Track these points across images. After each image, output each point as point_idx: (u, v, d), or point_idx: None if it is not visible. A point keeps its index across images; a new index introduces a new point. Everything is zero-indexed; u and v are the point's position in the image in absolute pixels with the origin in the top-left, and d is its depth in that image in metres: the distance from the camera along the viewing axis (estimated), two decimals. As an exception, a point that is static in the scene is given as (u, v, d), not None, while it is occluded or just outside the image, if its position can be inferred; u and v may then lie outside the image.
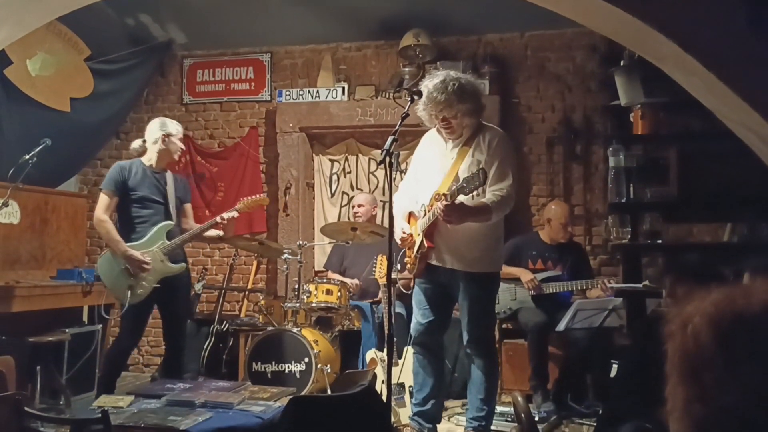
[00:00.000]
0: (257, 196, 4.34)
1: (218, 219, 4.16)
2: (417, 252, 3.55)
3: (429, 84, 3.46)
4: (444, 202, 3.24)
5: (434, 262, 3.57)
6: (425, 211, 3.50)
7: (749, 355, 0.89)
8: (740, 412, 0.89)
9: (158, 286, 4.02)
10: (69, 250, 5.18)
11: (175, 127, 4.20)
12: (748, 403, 0.88)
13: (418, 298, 3.69)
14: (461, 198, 3.27)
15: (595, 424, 4.11)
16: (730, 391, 0.89)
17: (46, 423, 2.50)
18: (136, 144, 4.25)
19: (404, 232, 3.60)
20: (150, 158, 4.17)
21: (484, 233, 3.51)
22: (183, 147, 4.28)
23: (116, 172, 4.07)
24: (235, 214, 4.21)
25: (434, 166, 3.59)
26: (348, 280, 4.98)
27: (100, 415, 2.22)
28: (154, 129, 4.17)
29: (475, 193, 3.26)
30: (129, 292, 3.92)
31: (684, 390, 0.94)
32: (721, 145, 3.56)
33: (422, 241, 3.49)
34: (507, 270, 4.55)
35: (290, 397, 2.72)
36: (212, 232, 4.23)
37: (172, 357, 4.21)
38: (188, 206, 4.35)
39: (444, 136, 3.59)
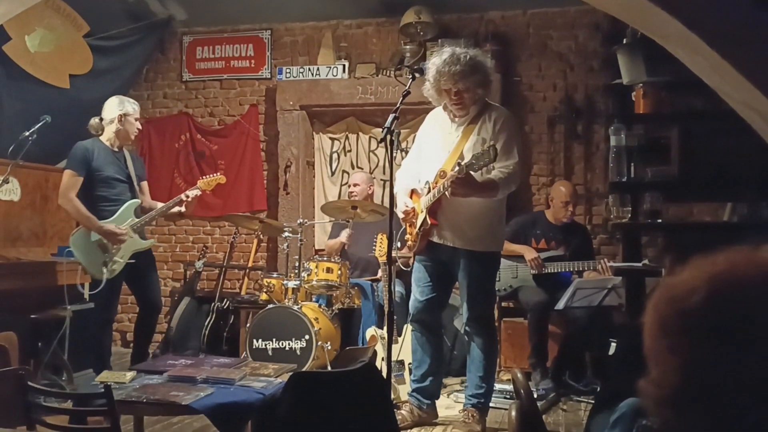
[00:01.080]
0: (215, 175, 4.59)
1: (183, 197, 4.35)
2: (419, 229, 3.56)
3: (438, 59, 3.46)
4: (456, 174, 3.24)
5: (436, 240, 3.58)
6: (429, 188, 3.51)
7: (712, 331, 0.90)
8: (711, 383, 0.90)
9: (133, 261, 4.19)
10: (69, 228, 5.15)
11: (132, 107, 4.28)
12: (718, 375, 0.89)
13: (417, 275, 3.70)
14: (477, 173, 3.29)
15: (592, 401, 4.15)
16: (700, 366, 0.90)
17: (49, 397, 2.51)
18: (93, 121, 4.30)
19: (407, 206, 3.61)
20: (108, 137, 4.27)
21: (487, 212, 3.52)
22: (140, 127, 4.39)
23: (81, 153, 4.15)
24: (198, 192, 4.42)
25: (438, 144, 3.59)
26: (339, 240, 5.02)
27: (102, 390, 2.23)
28: (111, 108, 4.25)
29: (484, 170, 3.28)
30: (104, 268, 4.06)
31: (659, 370, 0.95)
32: (722, 124, 3.55)
33: (425, 218, 3.50)
34: (511, 247, 4.57)
35: (291, 373, 2.74)
36: (174, 209, 4.43)
37: (146, 317, 4.44)
38: (145, 184, 4.50)
39: (452, 113, 3.58)
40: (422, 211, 3.55)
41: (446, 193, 3.38)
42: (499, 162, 3.37)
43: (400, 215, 3.64)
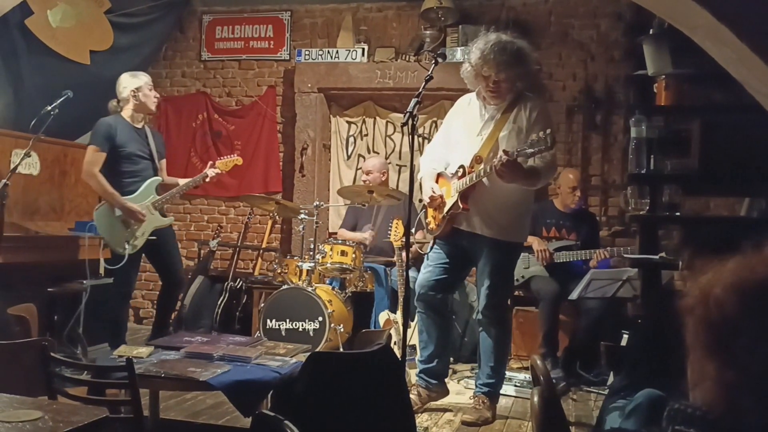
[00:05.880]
0: (232, 156, 4.64)
1: (205, 177, 4.45)
2: (447, 212, 3.53)
3: (483, 44, 3.37)
4: (505, 157, 3.15)
5: (463, 227, 3.56)
6: (465, 171, 3.45)
7: None
8: None
9: (154, 238, 4.27)
10: (86, 203, 5.21)
11: (143, 79, 4.32)
12: None
13: (434, 255, 3.68)
14: (522, 159, 3.21)
15: (602, 391, 4.16)
16: (762, 356, 0.90)
17: (69, 369, 2.54)
18: (111, 104, 4.38)
19: (434, 192, 3.59)
20: (129, 114, 4.31)
21: (518, 201, 3.50)
22: (157, 95, 4.43)
23: (104, 129, 4.20)
24: (217, 172, 4.51)
25: (470, 130, 3.55)
26: (361, 234, 5.03)
27: (123, 364, 2.26)
28: (122, 87, 4.31)
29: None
30: (126, 243, 4.15)
31: (714, 360, 0.95)
32: (744, 118, 3.51)
33: (457, 201, 3.46)
34: (522, 238, 4.57)
35: (307, 353, 2.75)
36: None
37: (168, 292, 4.54)
38: (163, 162, 4.54)
39: (486, 100, 3.53)
40: (453, 195, 3.51)
41: (484, 179, 3.35)
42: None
43: (426, 201, 3.62)
